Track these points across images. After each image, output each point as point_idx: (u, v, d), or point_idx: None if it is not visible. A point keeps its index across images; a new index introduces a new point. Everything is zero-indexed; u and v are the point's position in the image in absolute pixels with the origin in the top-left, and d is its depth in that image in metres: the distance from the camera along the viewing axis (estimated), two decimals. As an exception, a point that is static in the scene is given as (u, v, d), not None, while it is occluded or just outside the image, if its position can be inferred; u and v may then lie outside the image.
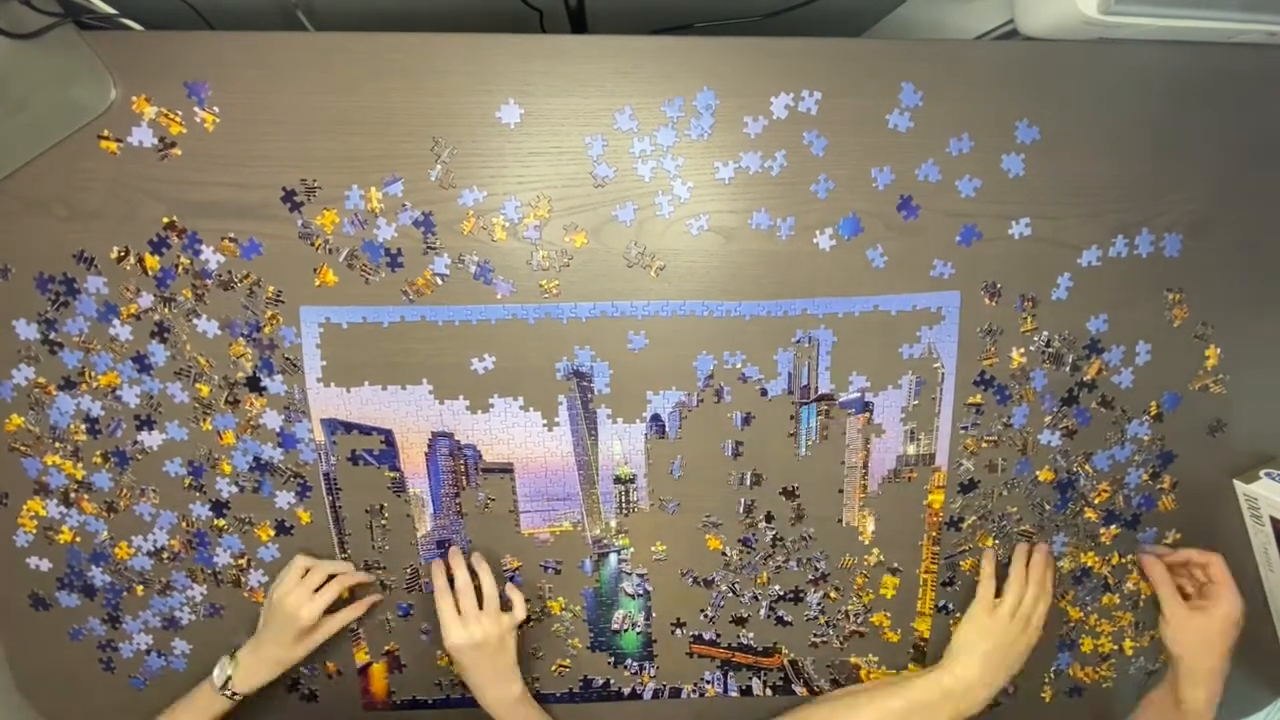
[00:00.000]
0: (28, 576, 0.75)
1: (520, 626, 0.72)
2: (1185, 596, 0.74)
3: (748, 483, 0.74)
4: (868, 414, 0.73)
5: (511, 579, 0.77)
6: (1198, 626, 0.71)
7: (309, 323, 0.68)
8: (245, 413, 0.71)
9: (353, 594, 0.75)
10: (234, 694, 0.71)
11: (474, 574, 0.72)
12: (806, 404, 0.72)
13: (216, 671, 0.72)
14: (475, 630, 0.69)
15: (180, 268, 0.67)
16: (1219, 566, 0.72)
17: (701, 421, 0.73)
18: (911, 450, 0.74)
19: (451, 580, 0.71)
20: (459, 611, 0.70)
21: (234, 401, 0.70)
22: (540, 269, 0.68)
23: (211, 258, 0.67)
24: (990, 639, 0.73)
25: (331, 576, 0.73)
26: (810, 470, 0.74)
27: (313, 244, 0.66)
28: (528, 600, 0.74)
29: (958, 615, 0.77)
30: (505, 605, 0.72)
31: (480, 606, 0.70)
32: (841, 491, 0.75)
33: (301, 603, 0.70)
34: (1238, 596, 0.71)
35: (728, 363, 0.71)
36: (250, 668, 0.71)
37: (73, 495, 0.72)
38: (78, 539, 0.74)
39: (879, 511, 0.76)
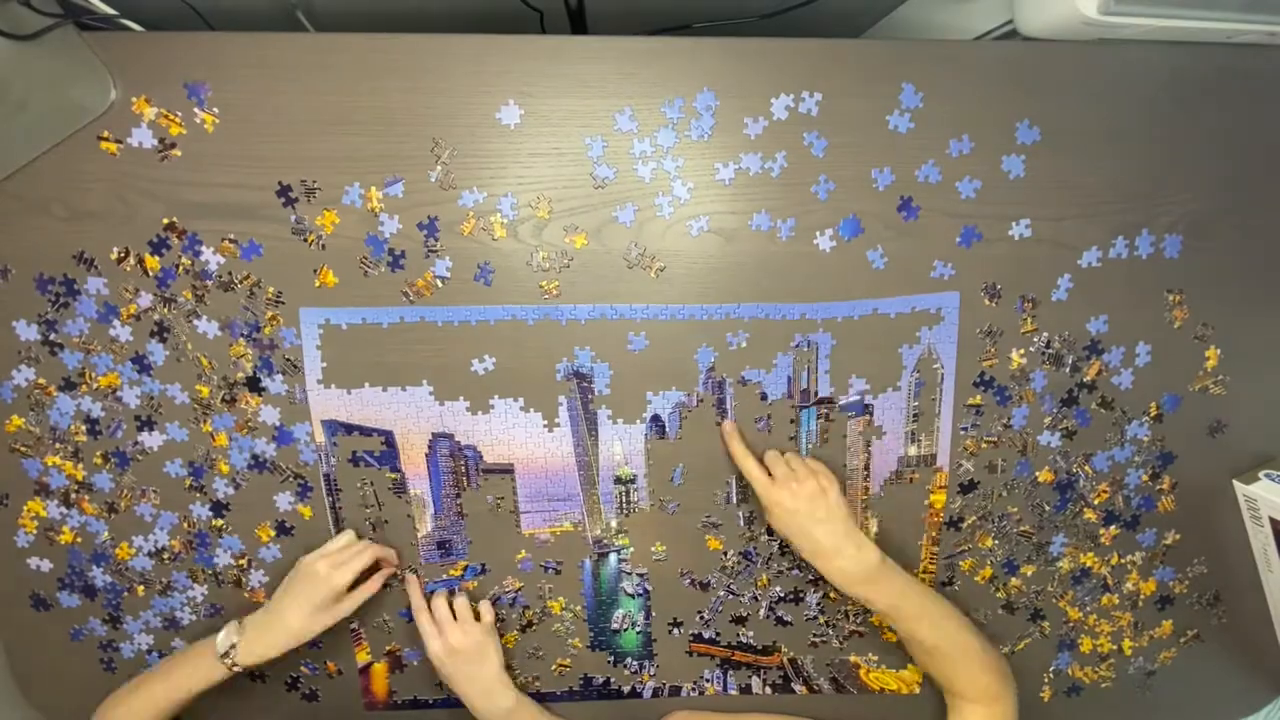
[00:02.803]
0: (29, 577, 0.75)
1: (502, 636, 0.75)
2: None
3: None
4: (868, 416, 0.73)
5: (514, 602, 0.77)
6: (788, 501, 0.67)
7: (309, 324, 0.68)
8: (242, 412, 0.71)
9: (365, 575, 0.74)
10: (234, 664, 0.68)
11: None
12: (806, 407, 0.72)
13: (221, 636, 0.69)
14: (452, 637, 0.71)
15: (181, 268, 0.67)
16: (775, 459, 0.70)
17: (702, 422, 0.73)
18: (913, 451, 0.74)
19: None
20: (435, 625, 0.72)
21: (231, 400, 0.70)
22: (540, 270, 0.68)
23: (211, 259, 0.67)
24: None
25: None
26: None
27: (306, 240, 0.66)
28: (526, 606, 0.76)
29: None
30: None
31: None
32: (843, 494, 0.75)
33: (333, 567, 0.69)
34: (818, 475, 0.68)
35: (728, 364, 0.71)
36: (258, 638, 0.69)
37: (73, 496, 0.72)
38: (78, 539, 0.74)
39: (881, 513, 0.76)
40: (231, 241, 0.66)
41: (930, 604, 0.70)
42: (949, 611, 0.71)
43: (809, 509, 0.67)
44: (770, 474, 0.70)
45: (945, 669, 0.71)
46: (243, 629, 0.70)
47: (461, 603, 0.74)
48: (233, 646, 0.68)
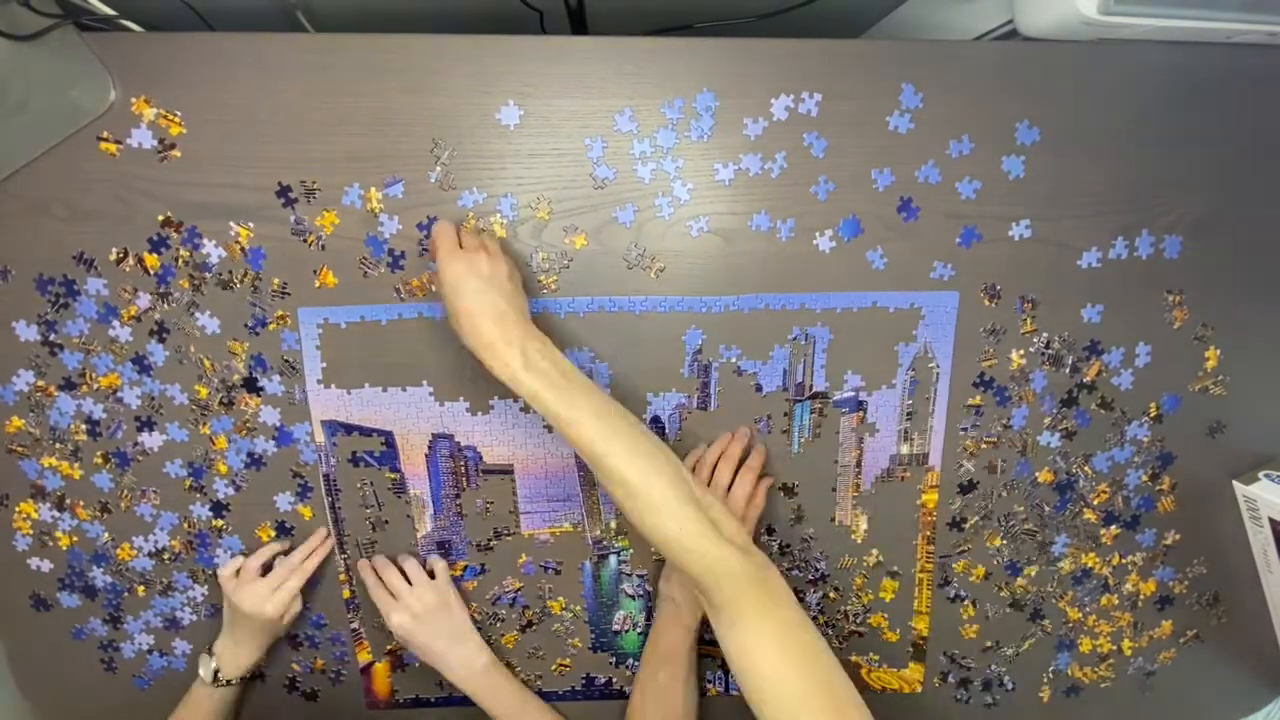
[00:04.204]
0: (29, 577, 0.75)
1: (502, 636, 0.76)
2: None
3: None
4: (861, 413, 0.73)
5: (514, 601, 0.77)
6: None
7: (308, 324, 0.68)
8: (241, 413, 0.71)
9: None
10: (227, 681, 0.71)
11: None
12: (800, 401, 0.73)
13: (201, 670, 0.72)
14: (412, 603, 0.71)
15: (180, 260, 0.67)
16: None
17: (702, 422, 0.73)
18: (905, 450, 0.75)
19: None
20: (393, 597, 0.72)
21: (229, 404, 0.70)
22: (540, 270, 0.68)
23: (213, 251, 0.67)
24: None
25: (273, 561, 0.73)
26: (803, 468, 0.74)
27: (306, 240, 0.66)
28: (526, 606, 0.77)
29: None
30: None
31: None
32: (834, 490, 0.75)
33: (262, 601, 0.70)
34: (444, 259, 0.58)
35: (723, 356, 0.71)
36: (232, 656, 0.72)
37: (67, 500, 0.72)
38: (75, 539, 0.74)
39: (871, 511, 0.76)
40: (235, 242, 0.66)
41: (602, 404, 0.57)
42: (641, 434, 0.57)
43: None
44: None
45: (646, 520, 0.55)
46: (214, 656, 0.72)
47: (412, 564, 0.73)
48: (217, 670, 0.71)
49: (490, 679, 0.73)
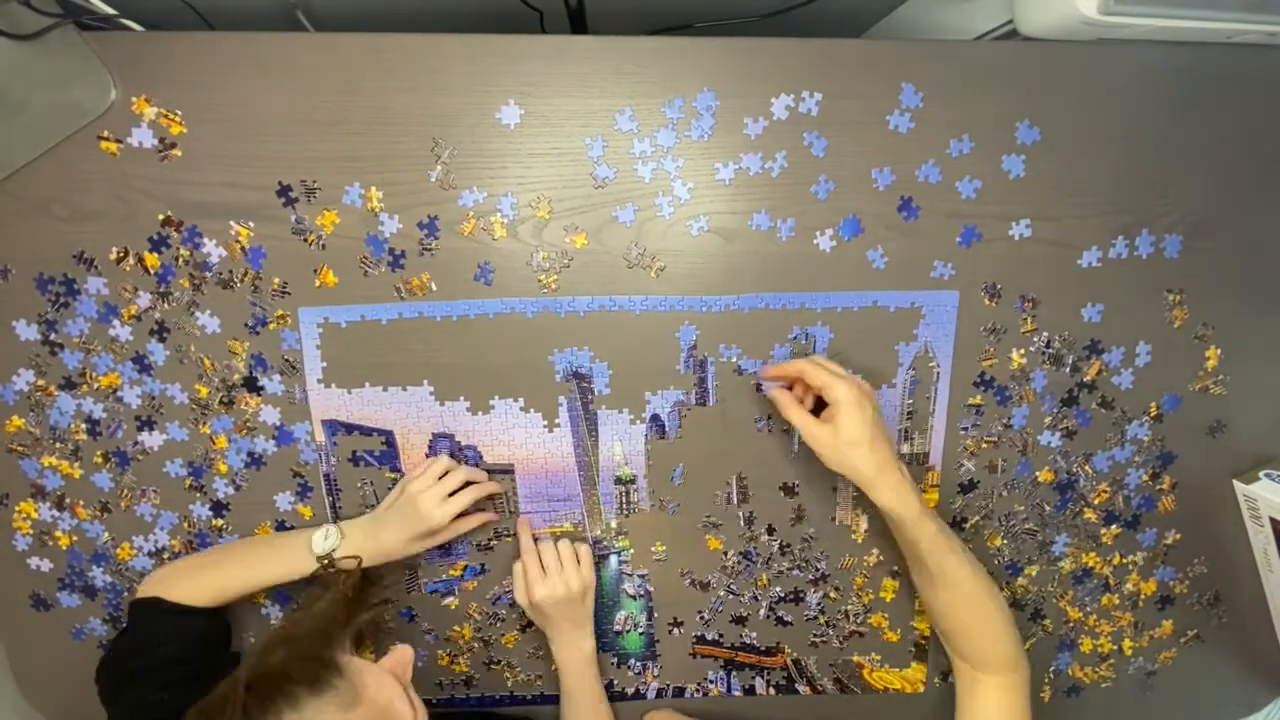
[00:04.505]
0: (29, 577, 0.75)
1: (502, 637, 0.76)
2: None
3: (744, 477, 0.75)
4: (865, 413, 0.73)
5: (513, 602, 0.77)
6: (838, 435, 0.64)
7: (308, 323, 0.68)
8: (241, 413, 0.71)
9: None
10: (331, 566, 0.67)
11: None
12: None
13: (318, 536, 0.68)
14: (557, 584, 0.71)
15: (181, 260, 0.67)
16: (813, 371, 0.65)
17: (701, 421, 0.73)
18: (905, 449, 0.74)
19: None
20: (543, 570, 0.72)
21: (229, 403, 0.70)
22: (540, 269, 0.68)
23: (213, 251, 0.67)
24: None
25: (467, 483, 0.71)
26: (804, 467, 0.74)
27: (306, 240, 0.66)
28: None
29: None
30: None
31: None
32: (835, 490, 0.75)
33: (435, 503, 0.68)
34: (849, 383, 0.64)
35: (723, 355, 0.71)
36: (357, 548, 0.68)
37: (67, 500, 0.72)
38: (75, 539, 0.74)
39: (872, 510, 0.76)
40: (235, 242, 0.66)
41: (959, 543, 0.68)
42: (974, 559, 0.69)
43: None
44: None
45: (968, 622, 0.68)
46: (342, 535, 0.69)
47: (566, 546, 0.74)
48: (334, 550, 0.68)
49: (588, 668, 0.75)
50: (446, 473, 0.70)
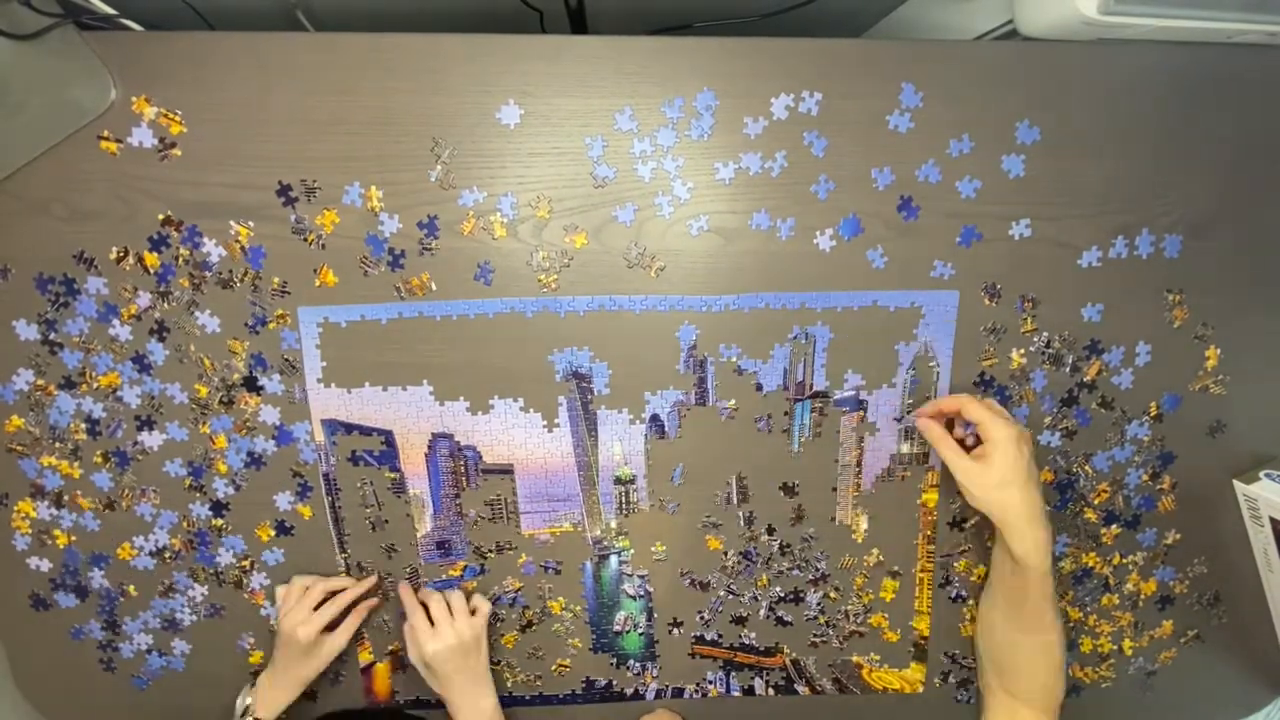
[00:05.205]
0: (28, 577, 0.75)
1: (502, 637, 0.76)
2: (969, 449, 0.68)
3: (744, 477, 0.75)
4: (861, 412, 0.73)
5: (514, 601, 0.77)
6: (989, 474, 0.64)
7: (308, 323, 0.68)
8: (241, 413, 0.71)
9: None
10: (256, 719, 0.71)
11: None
12: (800, 400, 0.72)
13: (238, 701, 0.73)
14: (448, 634, 0.71)
15: (180, 259, 0.67)
16: (973, 407, 0.65)
17: (701, 421, 0.73)
18: (905, 449, 0.74)
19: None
20: (431, 624, 0.72)
21: (229, 403, 0.70)
22: (540, 269, 0.68)
23: (213, 250, 0.67)
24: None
25: (334, 593, 0.73)
26: (804, 467, 0.74)
27: (306, 239, 0.66)
28: (526, 607, 0.77)
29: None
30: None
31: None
32: (835, 489, 0.75)
33: (298, 622, 0.70)
34: (1008, 422, 0.64)
35: (723, 355, 0.71)
36: (269, 691, 0.72)
37: (66, 498, 0.72)
38: (74, 538, 0.73)
39: (872, 510, 0.76)
40: (235, 241, 0.66)
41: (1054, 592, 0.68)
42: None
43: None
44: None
45: (1037, 666, 0.69)
46: (255, 689, 0.73)
47: (458, 597, 0.74)
48: (248, 706, 0.72)
49: None
50: (307, 588, 0.72)
